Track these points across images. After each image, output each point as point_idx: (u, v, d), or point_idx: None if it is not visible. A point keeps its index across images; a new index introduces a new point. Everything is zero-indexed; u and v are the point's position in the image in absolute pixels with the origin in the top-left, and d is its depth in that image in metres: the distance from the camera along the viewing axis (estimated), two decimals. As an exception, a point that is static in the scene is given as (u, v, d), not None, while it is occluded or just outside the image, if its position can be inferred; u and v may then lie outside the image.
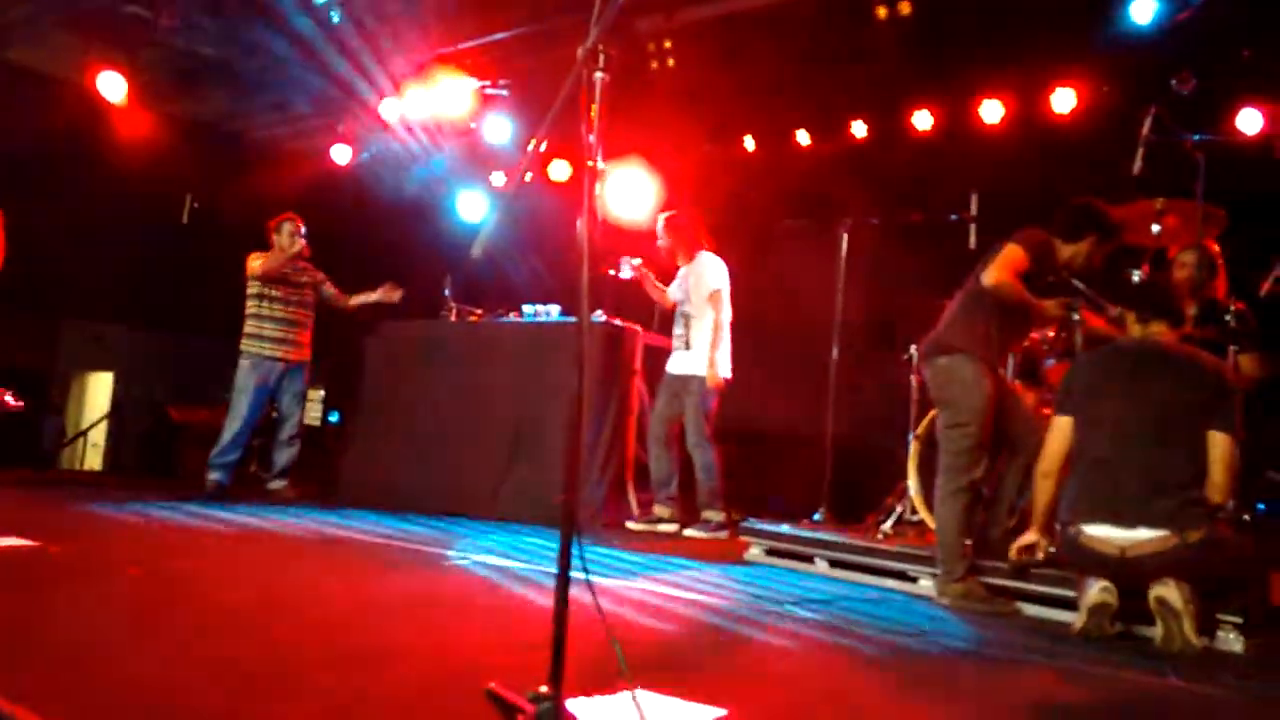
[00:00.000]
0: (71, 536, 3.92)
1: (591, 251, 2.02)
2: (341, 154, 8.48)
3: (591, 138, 1.98)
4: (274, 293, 6.17)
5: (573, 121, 2.04)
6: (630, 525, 5.48)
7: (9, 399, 5.41)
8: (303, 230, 6.25)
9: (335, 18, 6.65)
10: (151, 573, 3.24)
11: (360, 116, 8.24)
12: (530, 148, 2.22)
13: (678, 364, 5.53)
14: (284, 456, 6.25)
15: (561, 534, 1.90)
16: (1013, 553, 3.47)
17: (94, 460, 8.46)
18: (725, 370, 5.43)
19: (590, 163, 2.08)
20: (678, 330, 5.57)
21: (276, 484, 6.22)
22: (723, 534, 5.27)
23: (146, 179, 8.01)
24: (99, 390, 8.80)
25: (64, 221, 7.27)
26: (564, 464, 2.00)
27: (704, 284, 5.46)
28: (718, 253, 5.62)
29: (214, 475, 6.05)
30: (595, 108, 2.04)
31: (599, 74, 2.02)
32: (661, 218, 5.70)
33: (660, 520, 5.45)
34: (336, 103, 8.13)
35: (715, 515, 5.35)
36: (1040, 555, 3.45)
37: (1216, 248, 4.32)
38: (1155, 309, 3.40)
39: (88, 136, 7.62)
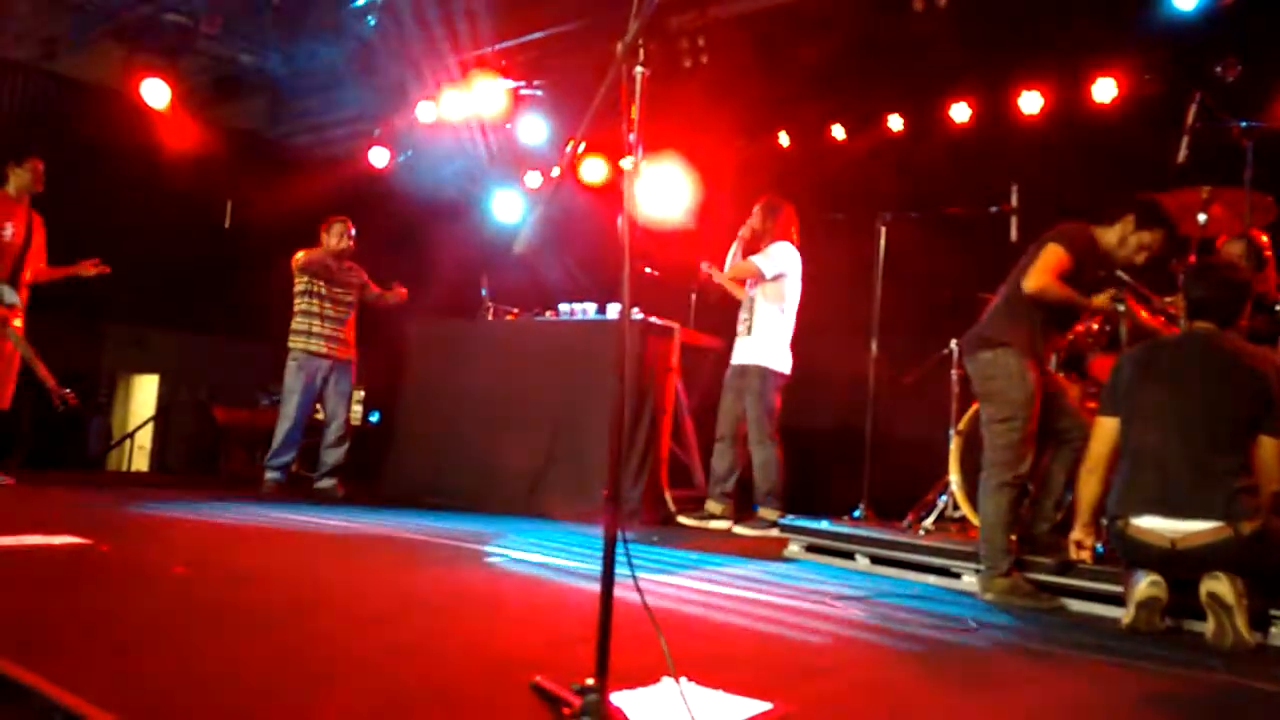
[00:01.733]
0: (122, 535, 4.00)
1: (631, 248, 2.03)
2: (379, 157, 8.58)
3: (631, 135, 1.99)
4: (321, 290, 6.27)
5: (608, 119, 2.05)
6: (683, 520, 5.47)
7: (68, 392, 5.53)
8: (353, 232, 6.35)
9: (371, 22, 6.73)
10: (200, 570, 3.30)
11: (397, 119, 8.32)
12: (569, 147, 2.23)
13: (738, 352, 5.48)
14: (332, 456, 6.32)
15: (605, 528, 1.91)
16: (1069, 552, 3.43)
17: (140, 462, 8.64)
18: (778, 364, 5.36)
19: (630, 158, 2.09)
20: (743, 315, 5.51)
21: (325, 483, 6.30)
22: (773, 532, 5.22)
23: (189, 184, 8.17)
24: (145, 392, 8.99)
25: (108, 226, 7.41)
26: (607, 460, 2.01)
27: (764, 269, 5.39)
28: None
29: (271, 475, 6.19)
30: (635, 104, 2.04)
31: (639, 69, 2.03)
32: (760, 202, 5.60)
33: (712, 516, 5.42)
34: (374, 106, 8.24)
35: (771, 514, 5.28)
36: (1086, 553, 3.40)
37: (1265, 238, 4.23)
38: (1204, 307, 3.33)
39: (131, 143, 7.78)
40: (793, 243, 5.48)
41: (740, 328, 5.51)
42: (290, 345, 6.26)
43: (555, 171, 8.45)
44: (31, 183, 5.73)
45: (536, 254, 7.52)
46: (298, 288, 6.29)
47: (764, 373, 5.32)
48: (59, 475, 6.63)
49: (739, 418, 5.42)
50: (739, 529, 5.31)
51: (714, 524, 5.39)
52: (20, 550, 3.35)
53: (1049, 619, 3.34)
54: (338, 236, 6.30)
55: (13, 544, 3.41)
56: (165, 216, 8.14)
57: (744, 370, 5.40)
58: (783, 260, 5.39)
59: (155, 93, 7.62)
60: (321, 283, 6.27)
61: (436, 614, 2.84)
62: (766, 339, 5.37)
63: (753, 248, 5.51)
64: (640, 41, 2.02)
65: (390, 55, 7.52)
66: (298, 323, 6.27)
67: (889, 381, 5.18)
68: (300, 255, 6.26)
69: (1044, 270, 3.55)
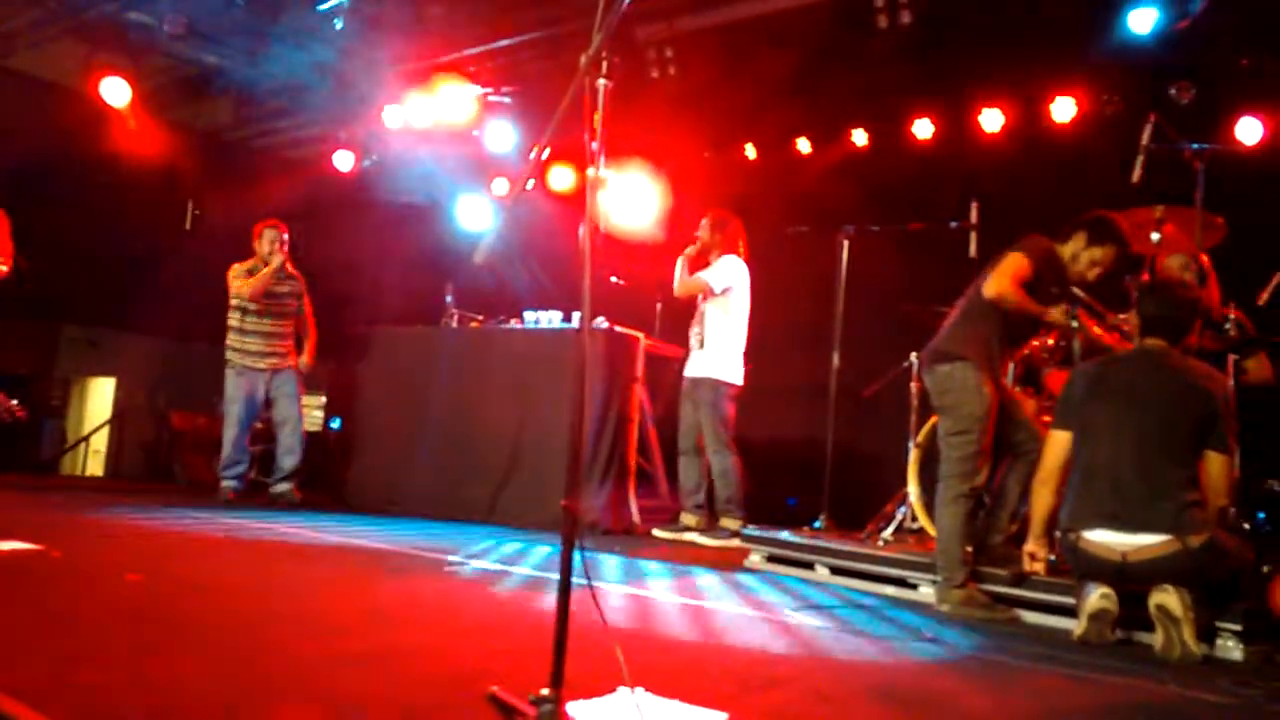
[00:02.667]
0: (74, 541, 3.93)
1: (594, 258, 2.04)
2: (344, 161, 8.51)
3: (594, 145, 2.00)
4: (253, 306, 6.17)
5: (575, 128, 2.06)
6: (657, 533, 5.48)
7: (14, 405, 5.45)
8: (285, 237, 6.24)
9: (339, 25, 6.68)
10: (154, 578, 3.24)
11: (363, 123, 8.26)
12: (533, 155, 2.24)
13: (691, 365, 5.53)
14: (288, 461, 6.24)
15: (563, 538, 1.92)
16: (1024, 564, 3.49)
17: (95, 467, 8.48)
18: (729, 374, 5.40)
19: (592, 170, 2.10)
20: (694, 328, 5.54)
21: (281, 487, 6.22)
22: (735, 542, 5.23)
23: (149, 185, 8.04)
24: (100, 396, 8.83)
25: (65, 226, 7.29)
26: (567, 469, 2.02)
27: (716, 282, 5.43)
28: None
29: (227, 484, 6.11)
30: (599, 115, 2.06)
31: (602, 81, 2.04)
32: (707, 216, 5.63)
33: (687, 528, 5.43)
34: (339, 110, 8.17)
35: (733, 523, 5.31)
36: (1040, 565, 3.46)
37: (1206, 257, 4.33)
38: (1156, 324, 3.40)
39: (90, 143, 7.65)
40: (740, 256, 5.52)
41: (692, 341, 5.55)
42: (227, 356, 6.19)
43: (521, 182, 8.46)
44: None
45: (504, 261, 7.52)
46: (231, 303, 6.20)
47: (716, 384, 5.37)
48: (10, 479, 6.49)
49: (698, 429, 5.46)
50: (701, 539, 5.33)
51: (689, 536, 5.40)
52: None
53: (1003, 630, 3.39)
54: (269, 243, 6.20)
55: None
56: (124, 217, 8.00)
57: (697, 383, 5.45)
58: (730, 274, 5.44)
59: (115, 92, 7.51)
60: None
61: (394, 624, 2.82)
62: (717, 351, 5.42)
63: (700, 261, 5.55)
64: (604, 54, 2.03)
65: (357, 59, 7.47)
66: (232, 338, 6.19)
67: (850, 394, 5.22)
68: (238, 283, 6.15)
69: (1004, 275, 3.61)
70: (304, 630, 2.62)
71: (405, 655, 2.39)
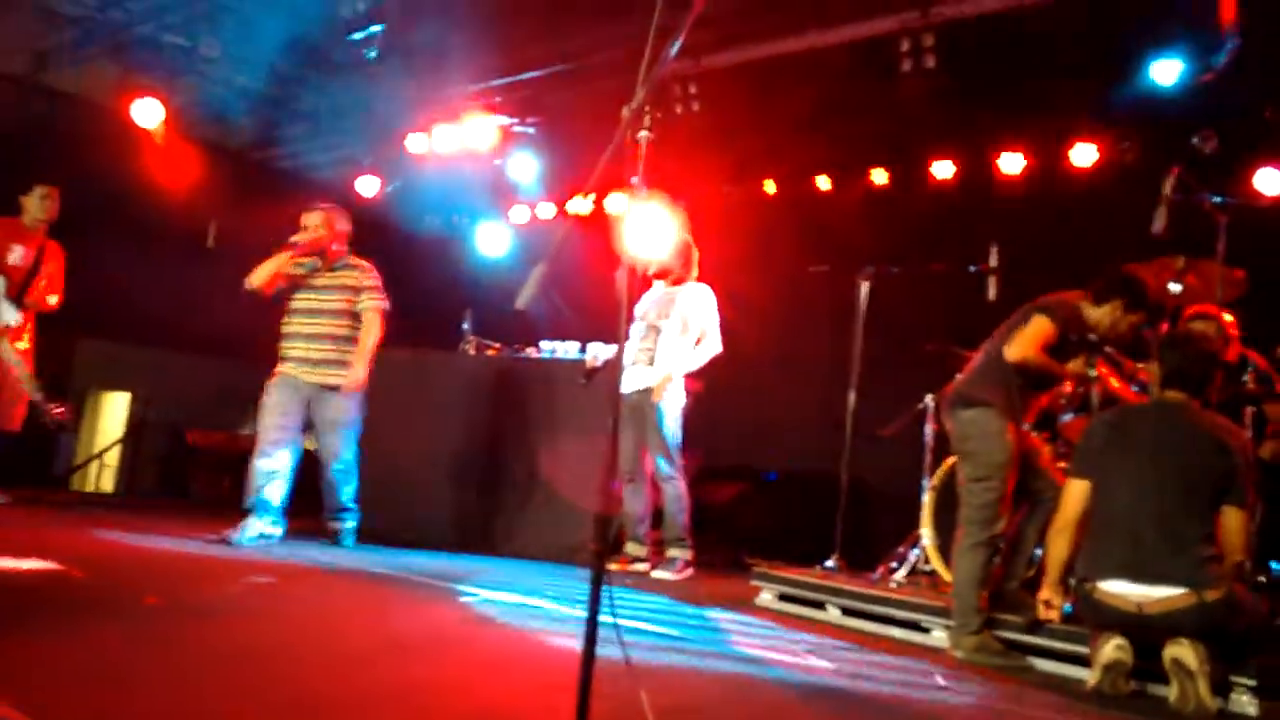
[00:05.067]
0: (92, 561, 3.95)
1: (629, 300, 2.09)
2: (368, 186, 8.61)
3: (636, 194, 2.04)
4: (293, 302, 5.35)
5: (598, 155, 2.11)
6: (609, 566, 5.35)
7: (58, 409, 5.53)
8: (316, 221, 5.36)
9: (371, 55, 6.79)
10: (173, 601, 3.27)
11: (387, 149, 8.37)
12: (575, 203, 2.30)
13: (633, 382, 5.29)
14: (329, 497, 5.44)
15: (591, 581, 1.94)
16: (1038, 611, 3.48)
17: (107, 482, 8.52)
18: (680, 397, 5.29)
19: (631, 212, 2.15)
20: (644, 344, 5.38)
21: (333, 524, 5.44)
22: (688, 573, 5.18)
23: (173, 202, 8.14)
24: (114, 411, 8.89)
25: (86, 239, 7.39)
26: (583, 502, 2.05)
27: (694, 318, 5.33)
28: (725, 289, 5.55)
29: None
30: (640, 165, 2.11)
31: (644, 133, 2.10)
32: (673, 242, 5.53)
33: (636, 559, 5.33)
34: (365, 135, 8.28)
35: (683, 553, 5.21)
36: (1055, 613, 3.46)
37: (1228, 316, 4.33)
38: (1177, 377, 3.42)
39: (118, 159, 7.75)
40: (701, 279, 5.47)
41: (639, 356, 5.36)
42: None
43: (524, 214, 8.51)
44: (39, 210, 5.75)
45: (521, 288, 7.56)
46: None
47: (666, 407, 5.22)
48: (25, 493, 6.53)
49: (643, 448, 5.31)
50: (657, 572, 5.18)
51: (637, 566, 5.28)
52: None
53: (1016, 678, 3.38)
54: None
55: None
56: (146, 233, 8.09)
57: (643, 404, 5.25)
58: (714, 309, 5.37)
59: (147, 112, 7.62)
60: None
61: (413, 655, 2.84)
62: (671, 373, 5.26)
63: (661, 277, 5.51)
64: (646, 107, 2.08)
65: (384, 86, 7.58)
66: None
67: (865, 432, 5.23)
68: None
69: (1029, 342, 3.63)
70: (324, 661, 2.63)
71: (426, 689, 2.41)
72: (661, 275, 5.53)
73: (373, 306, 5.27)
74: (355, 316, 5.26)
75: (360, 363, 5.20)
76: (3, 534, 4.39)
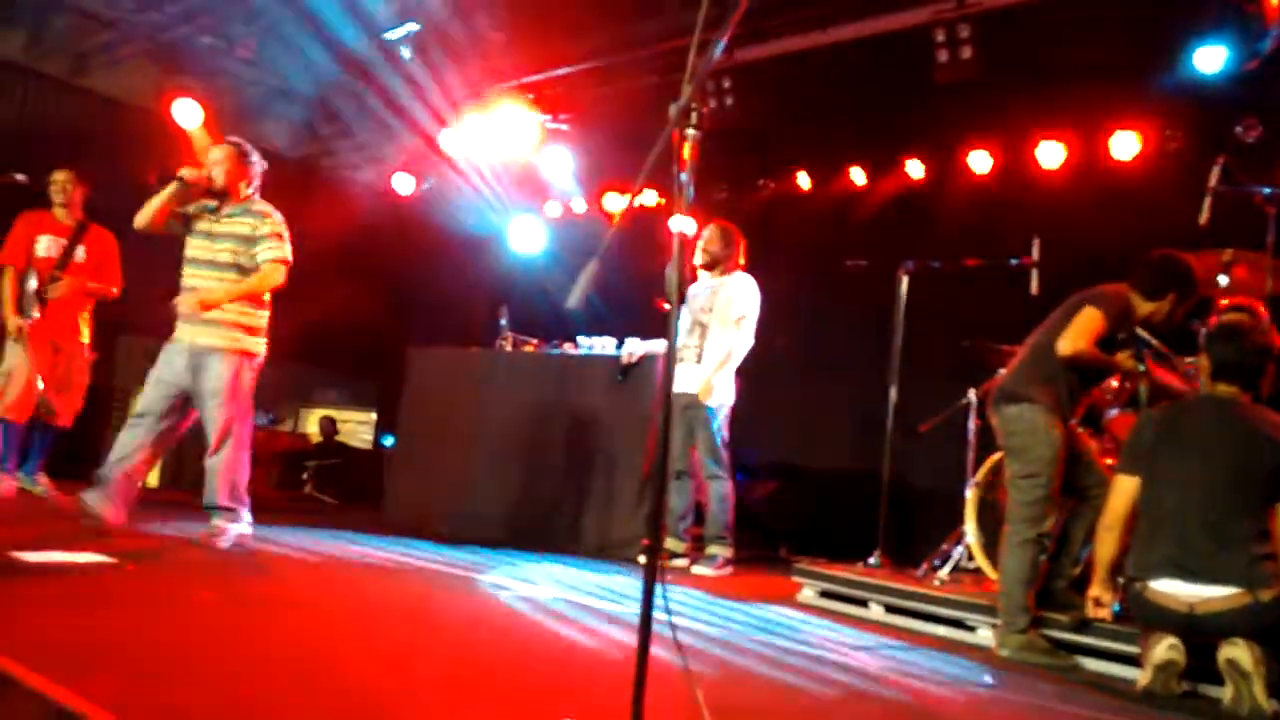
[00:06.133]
0: (145, 555, 4.03)
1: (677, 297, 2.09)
2: (404, 183, 8.67)
3: (687, 193, 2.04)
4: (188, 251, 4.67)
5: (635, 153, 2.11)
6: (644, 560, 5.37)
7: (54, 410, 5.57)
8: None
9: (406, 54, 6.83)
10: (226, 594, 3.33)
11: (423, 147, 8.42)
12: (627, 202, 2.30)
13: (684, 382, 5.26)
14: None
15: (645, 579, 1.94)
16: (1087, 610, 3.45)
17: (152, 476, 8.63)
18: (728, 396, 5.29)
19: (681, 218, 2.15)
20: (691, 340, 5.37)
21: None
22: (728, 570, 5.17)
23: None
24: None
25: (125, 240, 7.49)
26: (623, 496, 2.05)
27: (736, 305, 5.31)
28: (764, 283, 5.50)
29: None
30: (689, 163, 2.11)
31: (692, 130, 2.09)
32: (715, 226, 5.55)
33: (674, 555, 5.33)
34: (400, 133, 8.33)
35: (723, 551, 5.21)
36: (1104, 611, 3.42)
37: (1263, 307, 4.25)
38: (1229, 369, 3.36)
39: (155, 159, 7.83)
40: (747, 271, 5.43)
41: (686, 354, 5.33)
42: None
43: (558, 209, 8.53)
44: (57, 196, 5.74)
45: (557, 286, 7.59)
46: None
47: (717, 406, 5.22)
48: (76, 486, 6.65)
49: (690, 451, 5.32)
50: (697, 568, 5.19)
51: (676, 562, 5.29)
52: (49, 567, 3.38)
53: (1064, 678, 3.35)
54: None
55: (41, 560, 3.44)
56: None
57: (690, 401, 5.24)
58: (755, 299, 5.32)
59: (187, 113, 7.71)
60: None
61: (458, 650, 2.86)
62: (719, 370, 5.22)
63: (709, 267, 5.49)
64: (693, 104, 2.08)
65: (419, 84, 7.62)
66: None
67: (907, 429, 5.19)
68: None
69: (1081, 335, 3.57)
70: (373, 654, 2.66)
71: (478, 685, 2.43)
72: (708, 266, 5.52)
73: (271, 259, 4.44)
74: (250, 271, 4.45)
75: (255, 327, 4.48)
76: (55, 526, 4.46)
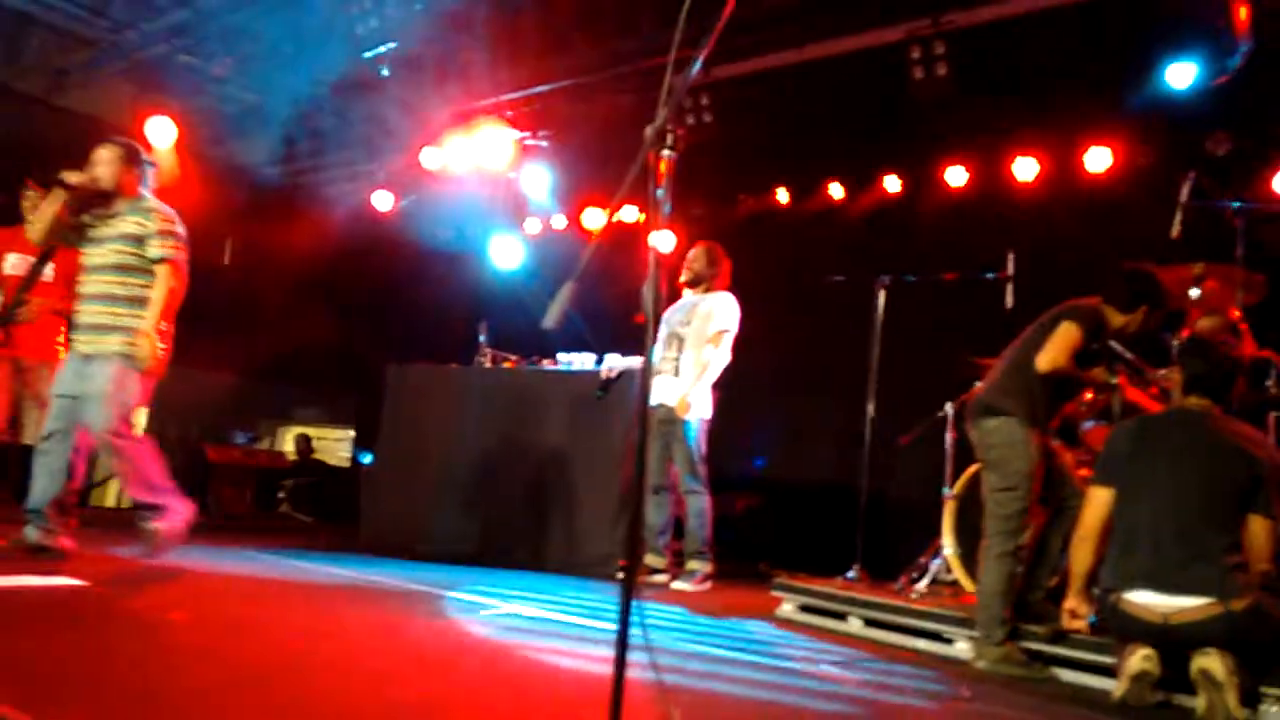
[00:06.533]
0: (117, 578, 3.99)
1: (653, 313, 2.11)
2: (382, 200, 8.66)
3: (664, 210, 2.05)
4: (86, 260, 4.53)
5: (613, 170, 2.13)
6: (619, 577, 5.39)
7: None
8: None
9: (384, 72, 6.83)
10: (197, 617, 3.29)
11: (401, 164, 8.42)
12: (604, 220, 2.31)
13: (661, 395, 5.31)
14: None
15: (621, 599, 1.94)
16: (1063, 621, 3.46)
17: (124, 497, 8.56)
18: (706, 410, 5.31)
19: (658, 235, 2.16)
20: (668, 353, 5.39)
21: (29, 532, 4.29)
22: (707, 585, 5.17)
23: (187, 220, 8.18)
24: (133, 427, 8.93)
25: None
26: (602, 513, 2.05)
27: (715, 320, 5.33)
28: (742, 299, 5.53)
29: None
30: (665, 183, 2.12)
31: (667, 151, 2.11)
32: (700, 246, 5.59)
33: (654, 570, 5.33)
34: (379, 150, 8.33)
35: (703, 566, 5.20)
36: (1080, 623, 3.44)
37: (1237, 313, 4.31)
38: (1200, 382, 3.40)
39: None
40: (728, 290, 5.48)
41: (663, 366, 5.37)
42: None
43: (536, 226, 8.57)
44: (29, 212, 5.60)
45: (536, 303, 7.60)
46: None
47: (694, 421, 5.23)
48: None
49: (669, 460, 5.32)
50: (677, 584, 5.19)
51: (657, 578, 5.28)
52: (19, 591, 3.33)
53: (1040, 689, 3.36)
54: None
55: (11, 585, 3.39)
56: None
57: (667, 416, 5.27)
58: (734, 316, 5.36)
59: (160, 131, 7.68)
60: None
61: (436, 671, 2.84)
62: (697, 384, 5.25)
63: (693, 285, 5.53)
64: (669, 126, 2.10)
65: (398, 101, 7.63)
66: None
67: (885, 442, 5.22)
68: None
69: (1059, 350, 3.59)
70: (350, 676, 2.64)
71: (451, 706, 2.41)
72: (692, 284, 5.56)
73: (160, 257, 4.24)
74: (142, 271, 4.27)
75: (143, 330, 4.22)
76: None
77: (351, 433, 8.78)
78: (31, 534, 4.16)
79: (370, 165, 8.71)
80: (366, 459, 8.33)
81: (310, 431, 8.68)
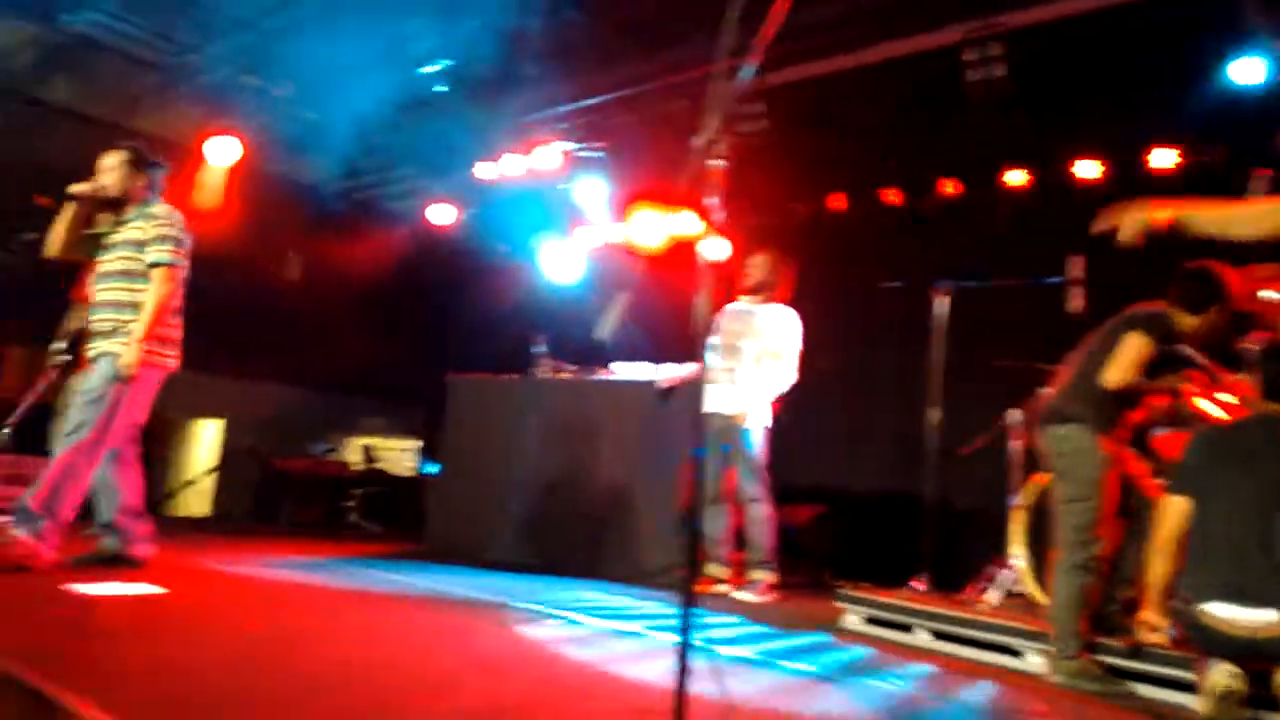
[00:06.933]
0: (194, 586, 4.10)
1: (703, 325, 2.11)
2: (441, 214, 8.80)
3: (716, 218, 2.06)
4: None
5: (667, 180, 2.15)
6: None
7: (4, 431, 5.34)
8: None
9: (441, 88, 6.95)
10: (271, 627, 3.37)
11: (459, 178, 8.55)
12: (654, 234, 2.33)
13: (719, 402, 5.27)
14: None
15: (681, 609, 1.94)
16: (1140, 634, 3.37)
17: (201, 507, 8.80)
18: (766, 418, 5.29)
19: (710, 243, 2.17)
20: (724, 360, 5.35)
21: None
22: (771, 595, 5.13)
23: (255, 237, 8.43)
24: (205, 438, 9.19)
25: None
26: (662, 523, 2.05)
27: (777, 337, 5.33)
28: (798, 305, 5.52)
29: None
30: (716, 192, 2.13)
31: (717, 161, 2.12)
32: (764, 254, 5.56)
33: (718, 581, 5.30)
34: (437, 164, 8.47)
35: (766, 575, 5.17)
36: (1159, 636, 3.34)
37: None
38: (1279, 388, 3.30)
39: (201, 195, 8.06)
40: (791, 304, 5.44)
41: (721, 375, 5.31)
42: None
43: (596, 239, 8.63)
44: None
45: (594, 312, 7.65)
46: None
47: (753, 429, 5.22)
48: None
49: (729, 469, 5.28)
50: (739, 594, 5.15)
51: (719, 588, 5.24)
52: (103, 599, 3.45)
53: (1118, 705, 3.27)
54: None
55: (96, 592, 3.51)
56: (231, 267, 8.37)
57: (732, 425, 5.25)
58: (799, 333, 5.35)
59: (224, 150, 7.91)
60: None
61: (500, 678, 2.87)
62: (757, 393, 5.24)
63: (754, 292, 5.50)
64: (718, 137, 2.11)
65: (454, 117, 7.75)
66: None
67: (948, 450, 5.13)
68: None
69: (1128, 365, 3.50)
70: (416, 683, 2.68)
71: (518, 712, 2.43)
72: (752, 291, 5.52)
73: (154, 262, 4.20)
74: (146, 277, 4.23)
75: (134, 338, 4.12)
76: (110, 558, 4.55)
77: (416, 443, 8.91)
78: (108, 544, 4.27)
79: (429, 180, 8.85)
80: (430, 469, 8.45)
81: (375, 442, 8.84)
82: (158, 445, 8.41)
